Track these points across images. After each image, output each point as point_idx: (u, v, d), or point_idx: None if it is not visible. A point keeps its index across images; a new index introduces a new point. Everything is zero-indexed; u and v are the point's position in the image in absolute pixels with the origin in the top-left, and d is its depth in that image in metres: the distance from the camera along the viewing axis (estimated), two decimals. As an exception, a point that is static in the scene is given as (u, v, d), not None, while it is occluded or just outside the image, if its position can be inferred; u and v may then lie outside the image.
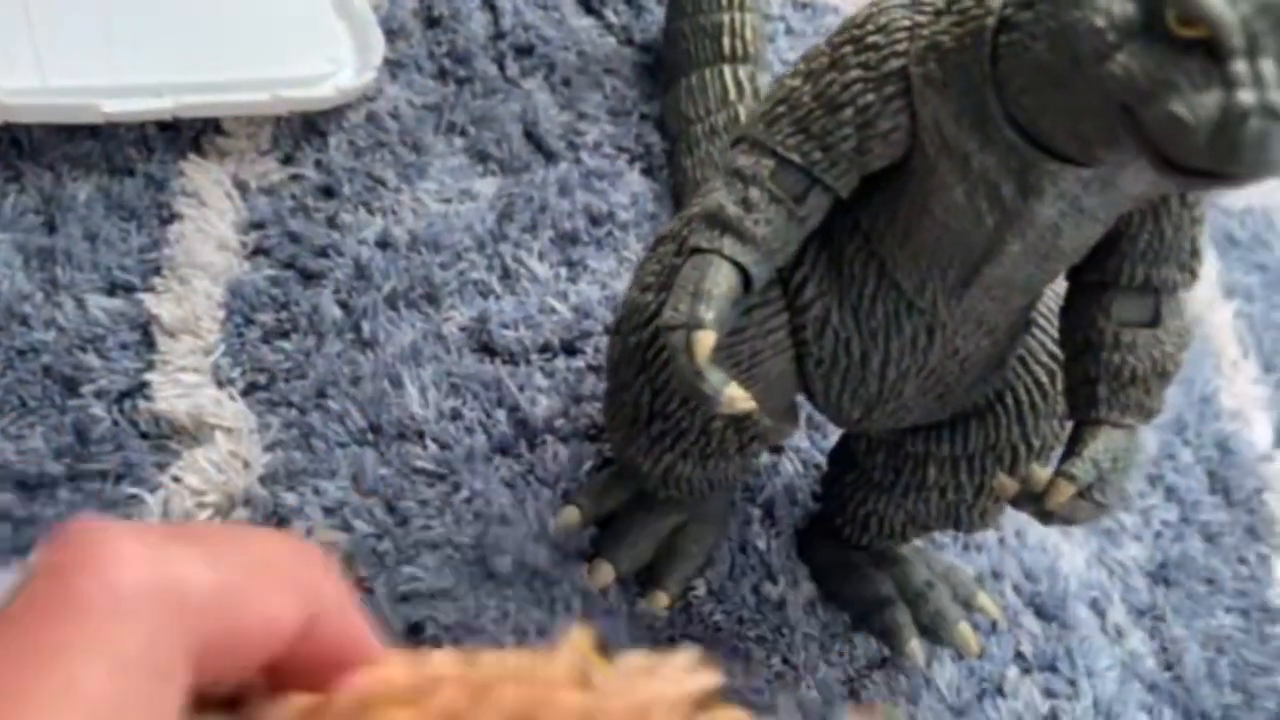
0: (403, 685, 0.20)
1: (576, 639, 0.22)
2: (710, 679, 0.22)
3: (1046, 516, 0.27)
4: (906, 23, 0.24)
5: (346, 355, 0.37)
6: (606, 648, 0.22)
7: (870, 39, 0.25)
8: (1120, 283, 0.26)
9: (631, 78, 0.50)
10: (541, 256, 0.42)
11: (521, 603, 0.34)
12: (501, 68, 0.47)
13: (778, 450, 0.42)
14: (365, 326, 0.37)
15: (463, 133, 0.45)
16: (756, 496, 0.41)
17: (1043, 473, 0.26)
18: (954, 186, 0.24)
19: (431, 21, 0.47)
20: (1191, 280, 0.26)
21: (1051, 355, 0.30)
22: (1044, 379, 0.30)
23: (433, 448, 0.36)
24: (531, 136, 0.46)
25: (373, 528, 0.34)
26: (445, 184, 0.43)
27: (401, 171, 0.42)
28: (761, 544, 0.39)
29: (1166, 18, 0.19)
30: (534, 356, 0.39)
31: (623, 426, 0.32)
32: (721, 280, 0.26)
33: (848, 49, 0.25)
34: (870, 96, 0.25)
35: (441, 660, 0.21)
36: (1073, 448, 0.27)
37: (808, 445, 0.43)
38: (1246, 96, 0.19)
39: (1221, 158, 0.19)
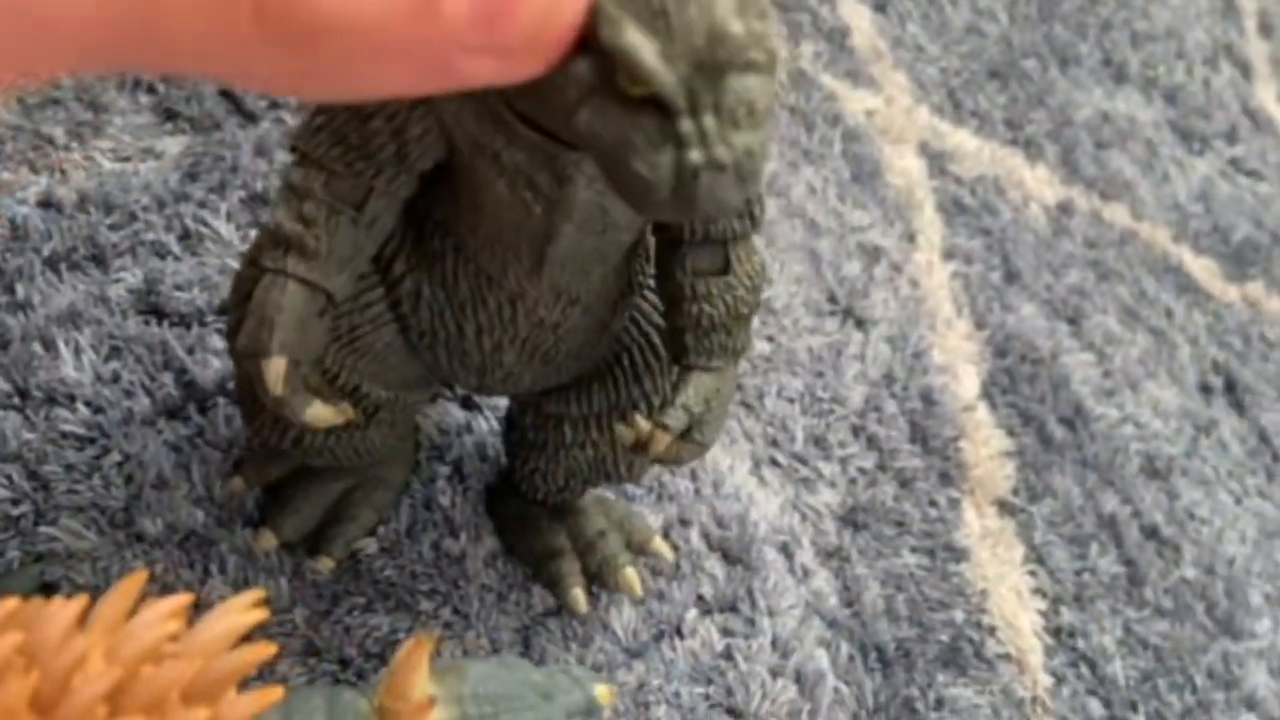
0: None
1: (128, 582, 0.23)
2: (253, 618, 0.23)
3: (658, 462, 0.29)
4: None
5: (-7, 318, 0.36)
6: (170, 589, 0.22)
7: None
8: (687, 237, 0.28)
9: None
10: (229, 217, 0.42)
11: (172, 564, 0.34)
12: (205, 25, 0.46)
13: (471, 408, 0.43)
14: (19, 289, 0.36)
15: (150, 90, 0.43)
16: (445, 454, 0.41)
17: (645, 424, 0.28)
18: (495, 181, 0.25)
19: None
20: (754, 226, 0.28)
21: (663, 316, 0.31)
22: (656, 339, 0.32)
23: (84, 411, 0.35)
24: (229, 95, 0.45)
25: (10, 493, 0.33)
26: (124, 142, 0.41)
27: (73, 129, 0.41)
28: (446, 500, 0.40)
29: (617, 78, 0.19)
30: (210, 319, 0.39)
31: (245, 401, 0.32)
32: (287, 303, 0.25)
33: None
34: (396, 103, 0.25)
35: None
36: (672, 396, 0.28)
37: (506, 403, 0.44)
38: (695, 155, 0.20)
39: (682, 210, 0.20)
